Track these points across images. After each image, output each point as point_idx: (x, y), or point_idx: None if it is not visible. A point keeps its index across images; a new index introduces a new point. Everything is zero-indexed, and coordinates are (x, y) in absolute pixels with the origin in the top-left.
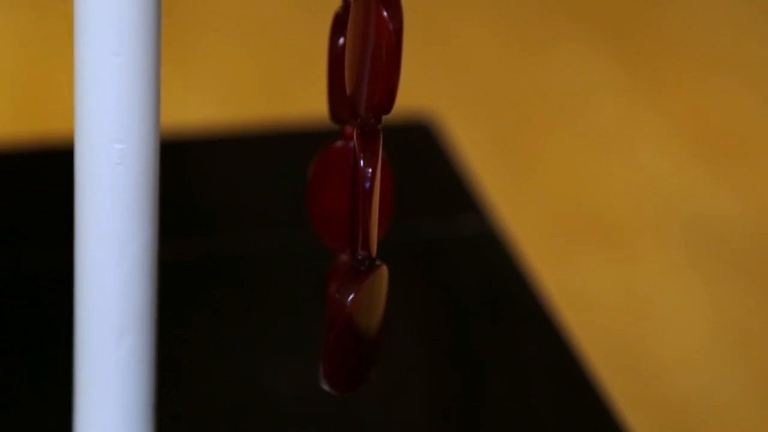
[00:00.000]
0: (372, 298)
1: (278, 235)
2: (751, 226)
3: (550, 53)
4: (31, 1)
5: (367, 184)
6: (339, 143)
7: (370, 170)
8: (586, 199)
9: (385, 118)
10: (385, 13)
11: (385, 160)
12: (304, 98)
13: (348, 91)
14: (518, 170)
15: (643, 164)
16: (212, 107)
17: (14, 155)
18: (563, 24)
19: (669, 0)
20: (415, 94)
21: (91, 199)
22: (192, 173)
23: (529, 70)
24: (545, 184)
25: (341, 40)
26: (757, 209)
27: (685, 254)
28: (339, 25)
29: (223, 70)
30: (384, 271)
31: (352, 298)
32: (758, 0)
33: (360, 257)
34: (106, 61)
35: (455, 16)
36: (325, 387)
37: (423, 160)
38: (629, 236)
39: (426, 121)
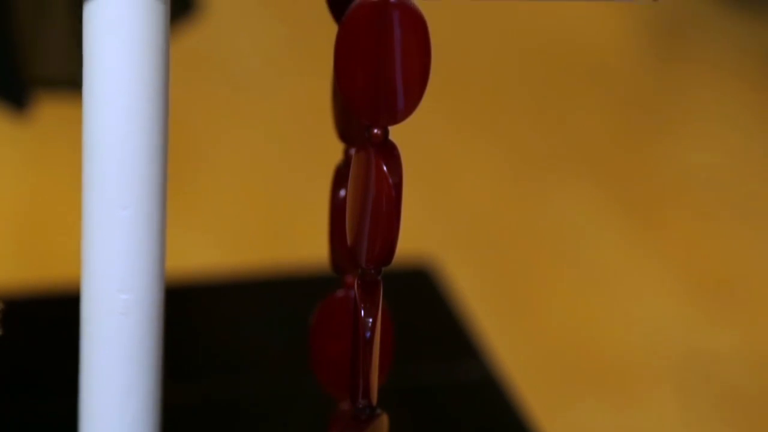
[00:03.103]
0: None
1: (279, 381)
2: (748, 366)
3: (548, 194)
4: (35, 139)
5: (368, 334)
6: (340, 292)
7: (370, 320)
8: (585, 340)
9: None
10: (384, 168)
11: (386, 309)
12: (305, 243)
13: (349, 243)
14: (517, 311)
15: (642, 304)
16: (215, 251)
17: (18, 301)
18: (561, 165)
19: (667, 139)
20: (413, 235)
21: (95, 348)
22: (194, 318)
23: (527, 210)
24: (544, 324)
25: (342, 192)
26: (755, 348)
27: (683, 396)
28: (340, 178)
29: (226, 215)
30: (384, 419)
31: None
32: (756, 136)
33: (360, 406)
34: (113, 214)
35: (452, 158)
36: None
37: (422, 305)
38: (629, 377)
39: (425, 266)
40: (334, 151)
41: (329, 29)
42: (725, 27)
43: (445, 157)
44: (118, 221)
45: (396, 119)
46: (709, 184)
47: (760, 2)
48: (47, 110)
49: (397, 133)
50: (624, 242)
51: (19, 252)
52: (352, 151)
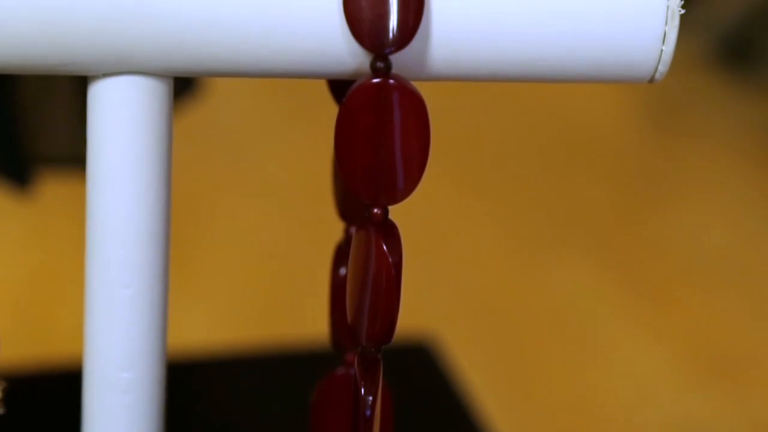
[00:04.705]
0: None
1: None
2: None
3: (548, 268)
4: (38, 215)
5: (368, 412)
6: (340, 370)
7: (370, 398)
8: (586, 415)
9: None
10: (384, 247)
11: (386, 386)
12: (306, 320)
13: (349, 320)
14: (517, 386)
15: (642, 380)
16: (215, 327)
17: (20, 378)
18: (561, 239)
19: (668, 214)
20: (413, 310)
21: (97, 426)
22: (195, 395)
23: (528, 285)
24: (545, 400)
25: (343, 270)
26: (757, 428)
27: None
28: (341, 256)
29: (226, 291)
30: None
31: None
32: (758, 211)
33: None
34: (115, 292)
35: (453, 231)
36: None
37: (423, 381)
38: None
39: (425, 342)
40: (334, 228)
41: (329, 108)
42: (724, 101)
43: (446, 231)
44: (119, 300)
45: (396, 199)
46: (709, 259)
47: (758, 76)
48: (50, 187)
49: (397, 206)
50: (624, 317)
51: (21, 328)
52: (353, 229)
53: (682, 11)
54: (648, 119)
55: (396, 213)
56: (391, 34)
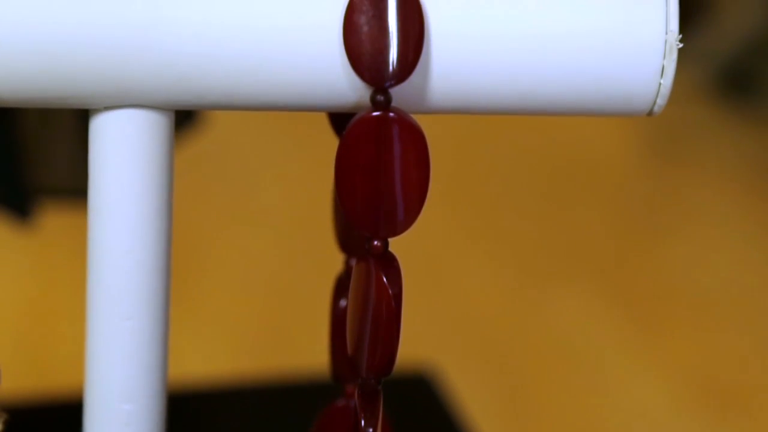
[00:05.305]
0: None
1: None
2: None
3: (549, 300)
4: (39, 247)
5: None
6: (340, 401)
7: (370, 430)
8: None
9: None
10: (384, 279)
11: (386, 418)
12: (306, 352)
13: (349, 352)
14: (518, 418)
15: (643, 411)
16: (215, 358)
17: (21, 410)
18: (562, 271)
19: (668, 246)
20: (414, 341)
21: None
22: (195, 426)
23: (529, 316)
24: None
25: (343, 302)
26: None
27: None
28: (341, 288)
29: (226, 322)
30: None
31: None
32: (757, 242)
33: None
34: (116, 324)
35: (453, 263)
36: None
37: (423, 413)
38: None
39: (425, 373)
40: (335, 260)
41: (330, 139)
42: (724, 132)
43: (446, 262)
44: (121, 332)
45: (396, 231)
46: (710, 291)
47: (758, 107)
48: (51, 218)
49: (397, 238)
50: (626, 348)
51: (22, 360)
52: (353, 261)
53: (680, 45)
54: (649, 149)
55: (396, 245)
56: (391, 68)
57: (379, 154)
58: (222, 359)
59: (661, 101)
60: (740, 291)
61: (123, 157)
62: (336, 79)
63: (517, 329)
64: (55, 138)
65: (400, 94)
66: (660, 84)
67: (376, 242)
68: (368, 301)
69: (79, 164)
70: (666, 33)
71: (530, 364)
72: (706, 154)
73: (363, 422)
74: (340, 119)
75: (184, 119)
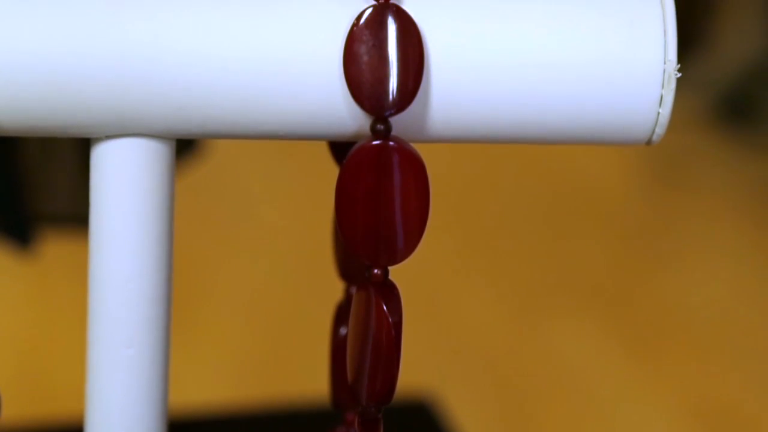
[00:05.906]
0: None
1: None
2: None
3: (548, 327)
4: (39, 274)
5: None
6: (341, 430)
7: None
8: None
9: None
10: (384, 307)
11: None
12: (306, 379)
13: (349, 380)
14: None
15: None
16: (216, 386)
17: None
18: (561, 299)
19: (668, 274)
20: (413, 369)
21: None
22: None
23: (528, 344)
24: None
25: (343, 330)
26: None
27: None
28: (341, 315)
29: (227, 350)
30: None
31: None
32: (757, 270)
33: None
34: (117, 352)
35: (453, 290)
36: None
37: None
38: None
39: (425, 400)
40: (335, 288)
41: (330, 167)
42: (724, 159)
43: (446, 291)
44: (121, 360)
45: (396, 260)
46: (709, 319)
47: (757, 134)
48: (52, 246)
49: (398, 266)
50: (624, 377)
51: (23, 388)
52: (353, 289)
53: (679, 75)
54: (649, 177)
55: (396, 273)
56: (390, 97)
57: (379, 182)
58: (222, 386)
59: (660, 130)
60: (739, 320)
61: (124, 186)
62: (336, 108)
63: (516, 357)
64: (56, 165)
65: (400, 123)
66: (659, 113)
67: (376, 270)
68: (368, 329)
69: (80, 192)
70: (664, 63)
71: (529, 392)
72: (705, 181)
73: None
74: (340, 148)
75: (185, 147)
